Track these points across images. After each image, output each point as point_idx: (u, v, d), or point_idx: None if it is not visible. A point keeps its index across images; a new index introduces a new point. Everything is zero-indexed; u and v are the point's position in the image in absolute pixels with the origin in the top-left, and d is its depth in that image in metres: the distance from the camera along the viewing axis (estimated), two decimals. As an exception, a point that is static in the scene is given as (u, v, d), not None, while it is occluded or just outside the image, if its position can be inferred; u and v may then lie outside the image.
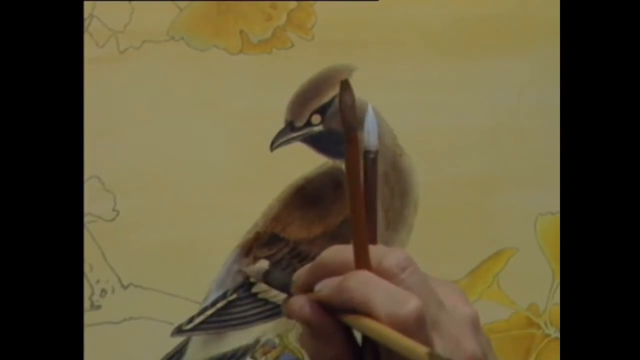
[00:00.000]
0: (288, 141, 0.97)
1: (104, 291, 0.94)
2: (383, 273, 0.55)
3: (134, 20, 0.94)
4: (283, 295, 0.96)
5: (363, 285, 0.54)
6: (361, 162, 0.57)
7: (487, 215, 1.00)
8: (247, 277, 0.97)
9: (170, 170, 0.95)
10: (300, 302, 0.57)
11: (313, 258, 0.98)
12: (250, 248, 0.97)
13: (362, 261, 0.55)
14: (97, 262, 0.93)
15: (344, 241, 0.97)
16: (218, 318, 0.96)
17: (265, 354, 0.97)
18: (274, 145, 0.97)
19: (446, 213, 0.99)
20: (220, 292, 0.96)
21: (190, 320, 0.96)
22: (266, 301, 0.97)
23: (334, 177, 0.98)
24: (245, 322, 0.97)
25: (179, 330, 0.96)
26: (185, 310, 0.95)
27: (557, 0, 0.92)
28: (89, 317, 0.93)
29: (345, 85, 0.57)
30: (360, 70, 0.97)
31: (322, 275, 0.57)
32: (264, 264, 0.97)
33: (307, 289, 0.58)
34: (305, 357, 0.98)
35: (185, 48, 0.95)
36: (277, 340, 0.98)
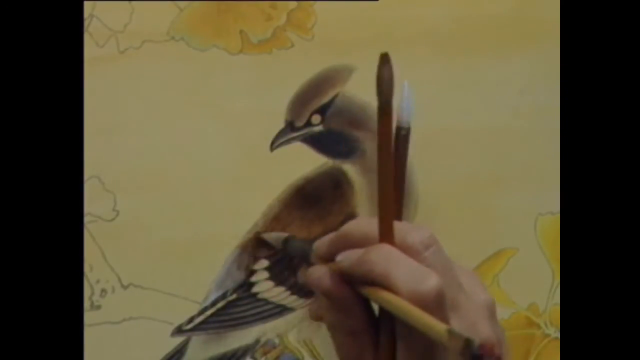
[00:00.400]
0: (288, 141, 0.97)
1: (104, 291, 0.94)
2: (406, 249, 0.55)
3: (134, 20, 0.94)
4: (284, 296, 0.97)
5: (385, 259, 0.54)
6: (393, 138, 0.57)
7: (487, 215, 1.00)
8: (248, 277, 0.97)
9: (170, 170, 0.95)
10: (319, 272, 0.57)
11: (313, 258, 0.98)
12: (251, 248, 0.97)
13: (386, 235, 0.55)
14: (97, 262, 0.93)
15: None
16: (218, 318, 0.96)
17: (265, 354, 0.97)
18: (274, 145, 0.97)
19: (446, 213, 0.99)
20: (220, 292, 0.96)
21: (190, 320, 0.96)
22: (266, 301, 0.97)
23: (334, 177, 0.98)
24: (245, 322, 0.97)
25: (179, 330, 0.96)
26: (185, 310, 0.95)
27: (557, 0, 0.92)
28: (89, 317, 0.93)
29: (384, 58, 0.57)
30: (360, 70, 0.97)
31: (344, 246, 0.57)
32: (264, 263, 0.97)
33: (328, 258, 0.57)
34: (305, 357, 0.98)
35: (185, 48, 0.95)
36: (277, 340, 0.98)
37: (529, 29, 1.00)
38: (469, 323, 0.55)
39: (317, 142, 0.97)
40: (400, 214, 0.57)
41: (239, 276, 0.97)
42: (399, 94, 0.60)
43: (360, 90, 0.97)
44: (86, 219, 0.93)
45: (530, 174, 1.00)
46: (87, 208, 0.93)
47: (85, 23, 0.93)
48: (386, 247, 0.54)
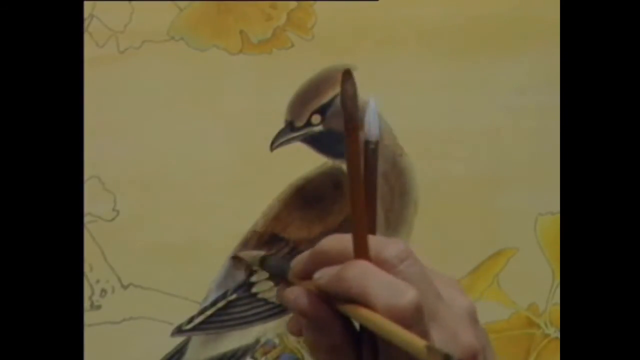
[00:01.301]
0: (288, 141, 0.97)
1: (104, 291, 0.94)
2: (382, 264, 0.55)
3: (134, 20, 0.94)
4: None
5: (361, 275, 0.54)
6: (362, 153, 0.57)
7: (487, 215, 1.00)
8: (248, 277, 0.97)
9: (170, 170, 0.95)
10: (295, 292, 0.56)
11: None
12: (250, 248, 0.97)
13: (361, 251, 0.55)
14: (97, 262, 0.93)
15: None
16: (218, 318, 0.96)
17: (265, 354, 0.97)
18: (274, 145, 0.97)
19: (446, 213, 0.99)
20: (220, 292, 0.96)
21: (190, 320, 0.96)
22: (266, 301, 0.97)
23: (334, 177, 0.98)
24: (245, 322, 0.97)
25: (178, 330, 0.96)
26: (185, 310, 0.95)
27: (557, 0, 0.92)
28: (89, 317, 0.93)
29: (347, 75, 0.57)
30: (360, 70, 0.97)
31: (320, 263, 0.57)
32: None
33: (305, 276, 0.57)
34: (305, 357, 0.98)
35: (185, 48, 0.95)
36: (277, 340, 0.98)
37: (529, 29, 1.00)
38: (450, 333, 0.54)
39: (317, 142, 0.97)
40: (374, 228, 0.57)
41: (239, 276, 0.97)
42: (367, 109, 0.60)
43: (361, 90, 0.97)
44: (86, 219, 0.93)
45: (530, 174, 1.00)
46: (87, 208, 0.93)
47: (85, 23, 0.93)
48: (361, 263, 0.54)
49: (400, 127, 0.99)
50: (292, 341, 0.98)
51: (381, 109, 0.97)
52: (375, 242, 0.56)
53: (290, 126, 0.97)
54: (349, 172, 0.57)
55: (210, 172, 0.96)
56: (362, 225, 0.56)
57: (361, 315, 0.54)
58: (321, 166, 0.97)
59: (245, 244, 0.97)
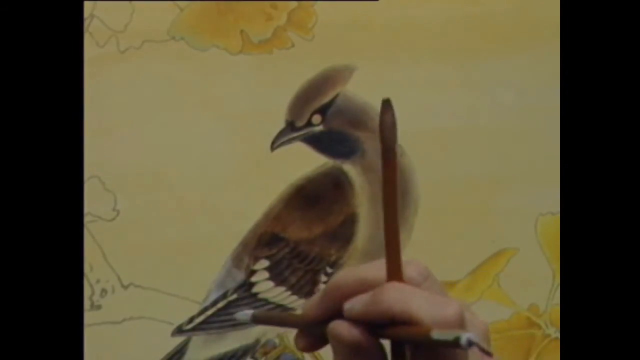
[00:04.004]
0: (289, 141, 0.97)
1: (104, 291, 0.94)
2: (407, 283, 0.57)
3: (134, 20, 0.94)
4: (284, 296, 0.96)
5: (401, 295, 0.56)
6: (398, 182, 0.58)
7: (488, 215, 1.00)
8: (248, 277, 0.97)
9: (170, 170, 0.95)
10: (345, 325, 0.57)
11: (313, 258, 0.98)
12: (251, 248, 0.97)
13: (394, 273, 0.57)
14: (97, 262, 0.93)
15: (345, 241, 0.98)
16: (218, 318, 0.96)
17: (265, 354, 0.97)
18: (274, 145, 0.97)
19: (446, 213, 0.99)
20: (221, 292, 0.96)
21: (191, 320, 0.96)
22: (267, 301, 0.97)
23: (334, 177, 0.98)
24: (245, 322, 0.97)
25: (179, 330, 0.96)
26: (186, 310, 0.96)
27: (557, 0, 0.92)
28: (89, 317, 0.93)
29: (386, 105, 0.58)
30: (360, 70, 0.97)
31: (336, 299, 0.57)
32: (264, 263, 0.97)
33: (323, 318, 0.58)
34: (305, 358, 0.98)
35: (185, 48, 0.95)
36: (277, 340, 0.98)
37: (529, 29, 1.00)
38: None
39: (318, 142, 0.97)
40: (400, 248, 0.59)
41: (239, 276, 0.97)
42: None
43: (361, 90, 0.97)
44: (86, 219, 0.93)
45: (530, 174, 1.00)
46: (87, 208, 0.93)
47: (86, 23, 0.93)
48: (396, 284, 0.56)
49: (401, 127, 0.98)
50: (292, 341, 0.98)
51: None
52: None
53: (290, 126, 0.97)
54: (384, 200, 0.58)
55: (211, 172, 0.96)
56: (395, 249, 0.57)
57: (409, 332, 0.55)
58: (321, 166, 0.98)
59: (246, 244, 0.97)
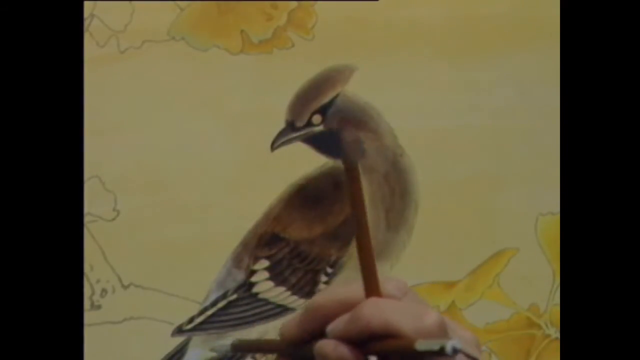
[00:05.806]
0: (289, 141, 0.97)
1: (104, 291, 0.94)
2: (387, 297, 0.57)
3: (134, 20, 0.94)
4: (284, 296, 0.96)
5: (378, 309, 0.56)
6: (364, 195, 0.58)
7: (488, 215, 1.00)
8: (248, 277, 0.97)
9: (170, 170, 0.95)
10: (331, 344, 0.57)
11: (314, 258, 0.98)
12: (251, 248, 0.97)
13: (372, 289, 0.57)
14: (97, 262, 0.93)
15: (345, 241, 0.98)
16: (218, 318, 0.96)
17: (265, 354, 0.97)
18: (274, 145, 0.97)
19: (447, 213, 0.99)
20: (221, 292, 0.96)
21: (191, 320, 0.96)
22: (266, 301, 0.97)
23: (334, 177, 0.98)
24: (245, 322, 0.97)
25: (179, 330, 0.96)
26: (186, 310, 0.96)
27: (557, 0, 0.92)
28: (89, 317, 0.93)
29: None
30: (360, 70, 0.97)
31: (318, 320, 0.57)
32: (264, 263, 0.97)
33: (302, 339, 0.58)
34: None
35: (185, 48, 0.95)
36: (277, 340, 0.98)
37: (529, 29, 1.00)
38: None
39: (318, 142, 0.97)
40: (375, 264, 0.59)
41: (240, 276, 0.97)
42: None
43: (361, 90, 0.98)
44: (86, 219, 0.93)
45: (530, 174, 1.00)
46: (87, 208, 0.93)
47: (86, 23, 0.93)
48: (373, 299, 0.56)
49: (401, 127, 0.99)
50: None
51: (381, 108, 0.98)
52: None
53: (290, 126, 0.97)
54: (354, 219, 0.58)
55: (211, 172, 0.96)
56: (370, 266, 0.57)
57: (394, 346, 0.55)
58: (321, 166, 0.98)
59: (246, 244, 0.97)
